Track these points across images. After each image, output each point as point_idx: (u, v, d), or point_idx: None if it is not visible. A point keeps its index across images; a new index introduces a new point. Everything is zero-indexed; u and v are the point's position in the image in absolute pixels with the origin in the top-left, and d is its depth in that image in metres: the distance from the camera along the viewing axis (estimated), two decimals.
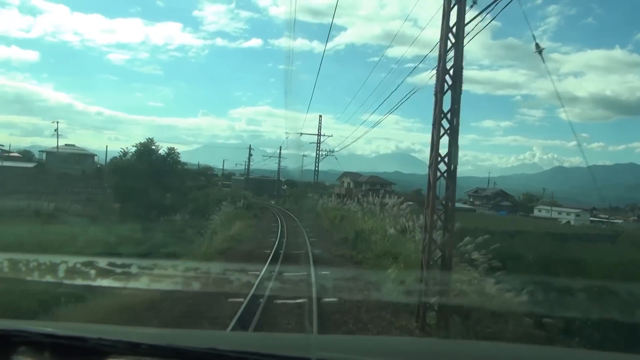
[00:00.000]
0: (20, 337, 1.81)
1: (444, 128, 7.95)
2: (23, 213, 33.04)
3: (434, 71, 8.55)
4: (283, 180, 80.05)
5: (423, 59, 12.00)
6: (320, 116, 56.49)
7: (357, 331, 8.19)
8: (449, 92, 8.04)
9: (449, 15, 8.01)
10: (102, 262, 8.73)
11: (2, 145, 71.00)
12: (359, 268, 13.82)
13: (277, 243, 20.27)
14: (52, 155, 60.33)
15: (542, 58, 7.91)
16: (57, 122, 55.98)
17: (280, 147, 71.12)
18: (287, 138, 71.46)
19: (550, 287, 11.63)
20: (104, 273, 8.32)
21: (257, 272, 12.06)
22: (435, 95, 8.06)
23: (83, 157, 65.51)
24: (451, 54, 8.16)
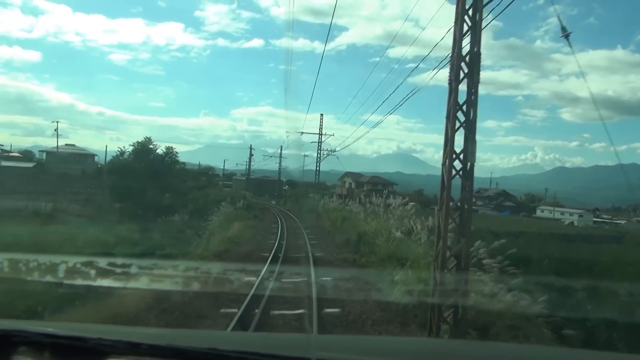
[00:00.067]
0: (21, 337, 1.81)
1: (459, 121, 7.12)
2: (21, 213, 32.61)
3: (435, 71, 7.94)
4: (284, 180, 79.69)
5: (423, 58, 11.60)
6: (322, 115, 55.74)
7: None
8: (464, 82, 7.21)
9: None
10: (93, 263, 8.63)
11: (2, 145, 70.78)
12: (362, 273, 12.99)
13: (276, 245, 19.53)
14: (52, 155, 59.98)
15: (569, 43, 7.11)
16: (57, 122, 55.37)
17: (281, 146, 70.61)
18: (287, 137, 70.88)
19: (567, 293, 10.88)
20: (90, 274, 8.11)
21: (254, 278, 11.33)
22: (450, 84, 7.23)
23: (83, 157, 65.33)
24: (466, 40, 7.36)
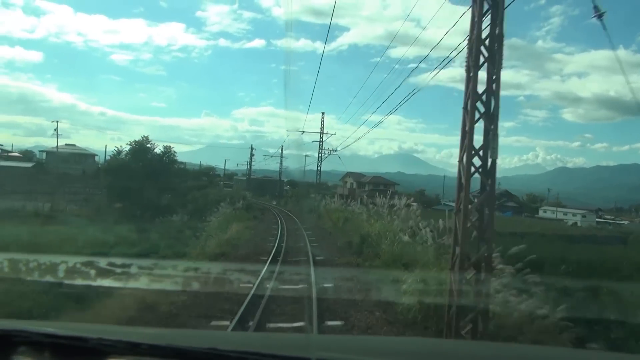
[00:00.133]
0: (21, 337, 1.80)
1: (479, 112, 6.29)
2: (18, 214, 32.01)
3: (435, 71, 7.20)
4: (285, 180, 79.23)
5: (423, 59, 11.05)
6: (323, 113, 54.95)
7: None
8: (484, 69, 6.38)
9: None
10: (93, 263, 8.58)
11: (1, 145, 70.47)
12: (367, 279, 12.14)
13: (275, 248, 18.71)
14: (52, 155, 59.54)
15: (603, 24, 6.30)
16: (57, 122, 54.89)
17: (282, 146, 69.98)
18: (287, 137, 70.28)
19: (588, 300, 10.12)
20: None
21: (250, 285, 10.56)
22: (468, 70, 6.40)
23: (83, 157, 65.13)
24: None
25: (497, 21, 6.31)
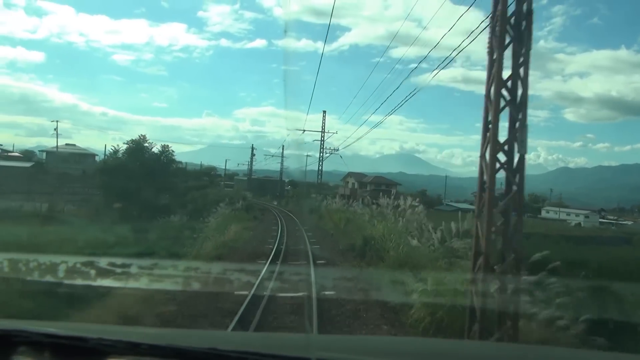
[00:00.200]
0: (21, 337, 1.80)
1: (505, 100, 5.46)
2: (15, 214, 31.42)
3: (436, 71, 6.43)
4: (286, 180, 78.69)
5: (424, 58, 10.44)
6: (324, 112, 54.10)
7: None
8: (510, 50, 5.55)
9: None
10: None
11: (1, 145, 70.15)
12: (371, 286, 11.32)
13: (274, 250, 17.95)
14: (52, 155, 59.04)
15: None
16: (57, 122, 54.26)
17: (283, 146, 69.28)
18: (287, 136, 69.56)
19: (611, 306, 9.40)
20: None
21: (247, 292, 9.78)
22: (490, 53, 5.57)
23: (83, 157, 64.75)
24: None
25: None
